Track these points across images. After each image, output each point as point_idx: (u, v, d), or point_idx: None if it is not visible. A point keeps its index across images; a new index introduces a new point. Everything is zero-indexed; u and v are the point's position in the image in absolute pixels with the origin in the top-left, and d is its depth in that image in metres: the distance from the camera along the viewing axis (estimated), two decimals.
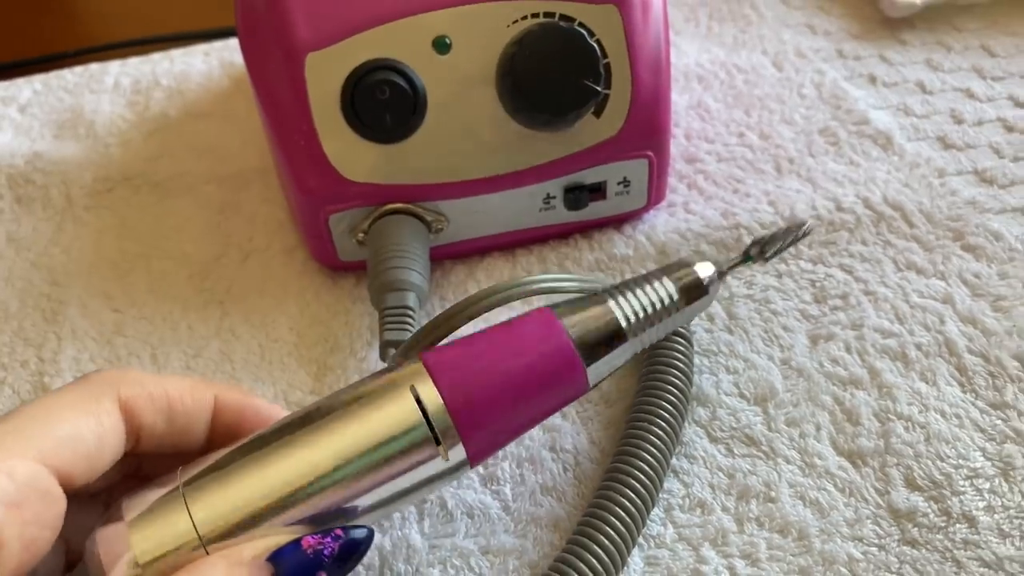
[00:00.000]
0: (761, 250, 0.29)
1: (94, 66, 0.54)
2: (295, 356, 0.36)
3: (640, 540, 0.29)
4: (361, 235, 0.36)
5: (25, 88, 0.53)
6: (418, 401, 0.24)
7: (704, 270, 0.28)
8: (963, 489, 0.29)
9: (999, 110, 0.45)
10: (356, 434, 0.23)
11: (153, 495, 0.23)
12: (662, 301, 0.27)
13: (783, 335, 0.35)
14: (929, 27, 0.51)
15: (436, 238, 0.37)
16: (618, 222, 0.40)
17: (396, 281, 0.34)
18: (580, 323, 0.26)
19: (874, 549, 0.28)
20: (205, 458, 0.24)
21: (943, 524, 0.28)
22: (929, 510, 0.29)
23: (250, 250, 0.41)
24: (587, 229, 0.40)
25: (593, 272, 0.38)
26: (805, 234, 0.29)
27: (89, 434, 0.22)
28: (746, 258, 0.29)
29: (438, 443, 0.24)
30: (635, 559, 0.28)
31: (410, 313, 0.33)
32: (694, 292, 0.27)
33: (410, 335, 0.33)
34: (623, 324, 0.26)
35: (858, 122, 0.45)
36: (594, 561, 0.27)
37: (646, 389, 0.31)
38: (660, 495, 0.30)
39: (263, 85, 0.36)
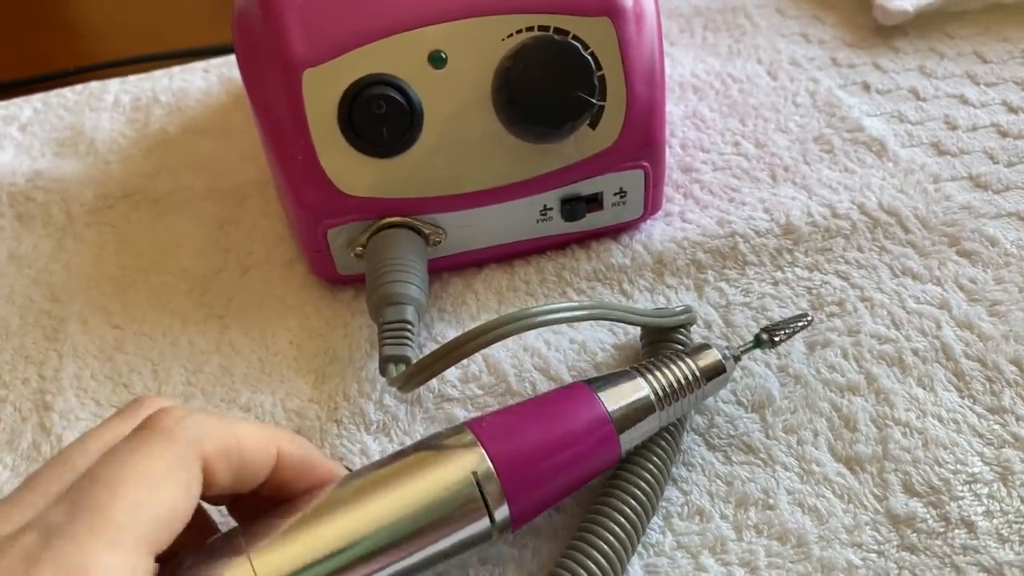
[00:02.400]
0: (770, 337, 0.32)
1: (94, 84, 0.55)
2: (295, 369, 0.36)
3: (639, 548, 0.29)
4: (359, 249, 0.36)
5: (25, 107, 0.53)
6: (476, 479, 0.25)
7: (723, 354, 0.31)
8: (962, 494, 0.29)
9: (993, 116, 0.45)
10: (416, 512, 0.25)
11: (221, 567, 0.22)
12: (686, 378, 0.30)
13: None
14: (922, 34, 0.52)
15: (434, 251, 0.38)
16: (615, 232, 0.40)
17: (394, 295, 0.34)
18: (616, 399, 0.29)
19: (873, 555, 0.28)
20: (269, 523, 0.24)
21: (942, 530, 0.28)
22: (928, 516, 0.29)
23: (249, 264, 0.41)
24: (584, 239, 0.40)
25: (591, 283, 0.38)
26: (807, 324, 0.33)
27: (183, 509, 0.21)
28: (756, 343, 0.32)
29: (491, 516, 0.25)
30: (634, 567, 0.29)
31: (409, 327, 0.33)
32: (713, 373, 0.30)
33: (409, 349, 0.33)
34: (653, 400, 0.29)
35: (852, 129, 0.45)
36: (594, 567, 0.27)
37: None
38: (660, 504, 0.30)
39: (261, 101, 0.36)
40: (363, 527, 0.24)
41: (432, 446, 0.26)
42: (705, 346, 0.31)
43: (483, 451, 0.26)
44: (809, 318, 0.33)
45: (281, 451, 0.25)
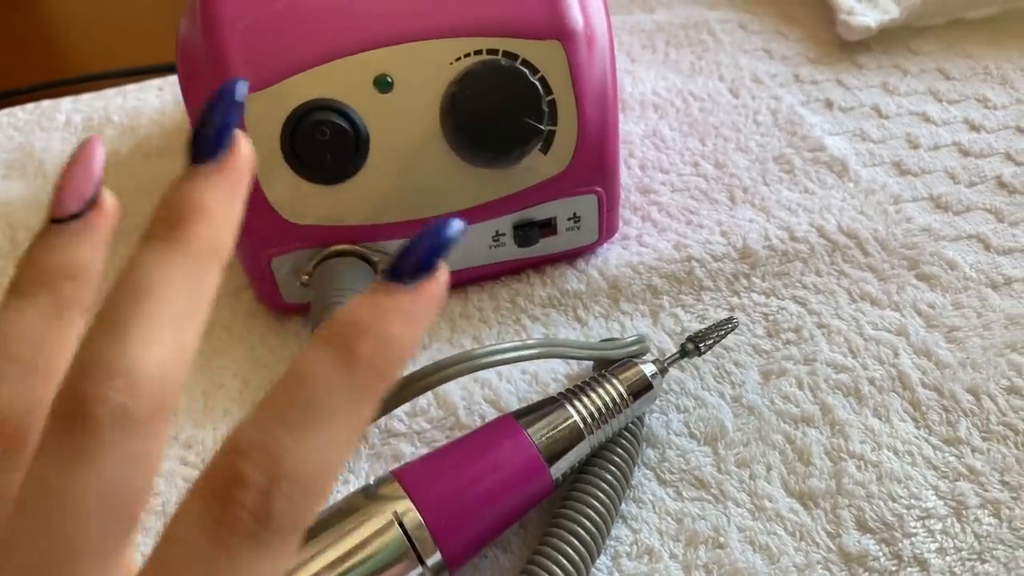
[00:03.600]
0: (696, 346, 0.32)
1: (46, 103, 0.54)
2: (238, 403, 0.35)
3: None
4: (305, 277, 0.36)
5: None
6: (402, 527, 0.25)
7: (648, 369, 0.31)
8: (915, 531, 0.29)
9: (954, 134, 0.45)
10: (350, 569, 0.25)
11: None
12: (613, 400, 0.30)
13: (735, 371, 0.34)
14: (885, 50, 0.51)
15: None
16: (571, 257, 0.39)
17: None
18: (543, 430, 0.28)
19: None
20: None
21: (894, 568, 0.28)
22: (880, 553, 0.28)
23: None
24: (539, 265, 0.39)
25: (546, 310, 0.38)
26: (733, 328, 0.33)
27: None
28: (683, 353, 0.32)
29: (422, 562, 0.25)
30: None
31: None
32: (641, 389, 0.30)
33: None
34: (581, 426, 0.29)
35: (813, 148, 0.44)
36: None
37: None
38: (608, 543, 0.29)
39: None
40: None
41: (360, 502, 0.26)
42: (630, 363, 0.31)
43: (408, 501, 0.26)
44: (734, 322, 0.33)
45: None
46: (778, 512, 0.30)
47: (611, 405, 0.29)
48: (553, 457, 0.28)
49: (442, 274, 0.17)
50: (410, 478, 0.27)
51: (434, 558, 0.26)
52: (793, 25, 0.55)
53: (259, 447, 0.16)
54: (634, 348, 0.32)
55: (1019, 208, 0.40)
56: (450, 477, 0.27)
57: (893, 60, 0.51)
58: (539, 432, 0.28)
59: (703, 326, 0.33)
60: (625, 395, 0.30)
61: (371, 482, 0.28)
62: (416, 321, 0.18)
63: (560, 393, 0.30)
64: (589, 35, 0.35)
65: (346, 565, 0.25)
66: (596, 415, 0.29)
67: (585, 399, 0.29)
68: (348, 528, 0.25)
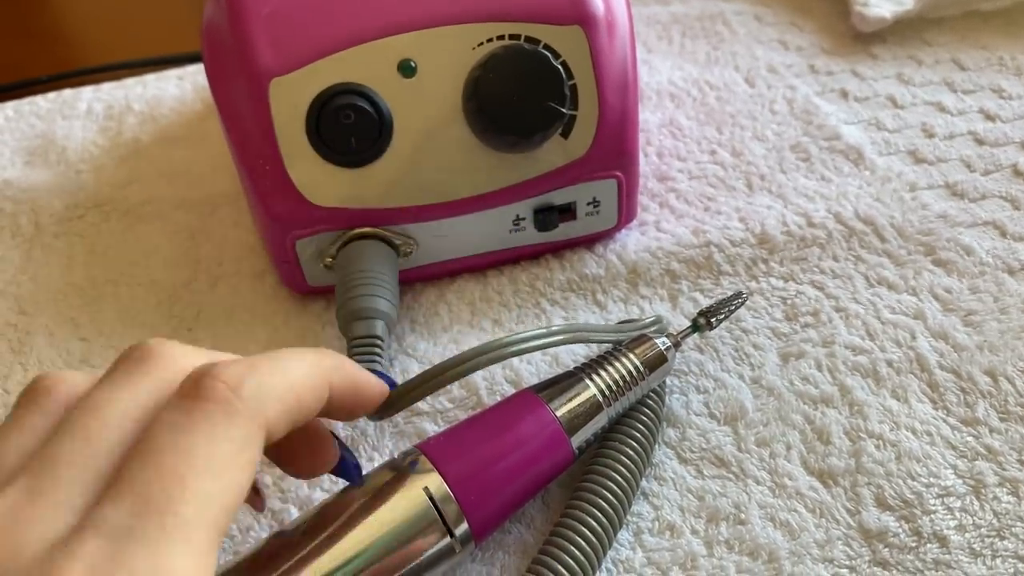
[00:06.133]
0: (707, 320, 0.33)
1: (67, 92, 0.54)
2: None
3: (609, 565, 0.29)
4: (329, 260, 0.36)
5: None
6: (431, 499, 0.26)
7: (662, 343, 0.32)
8: (934, 508, 0.29)
9: (970, 123, 0.45)
10: (380, 540, 0.25)
11: None
12: (630, 373, 0.30)
13: (754, 353, 0.35)
14: (900, 41, 0.52)
15: (405, 261, 0.37)
16: (589, 242, 0.40)
17: (364, 309, 0.33)
18: (563, 403, 0.29)
19: (844, 571, 0.28)
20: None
21: (914, 544, 0.28)
22: (900, 530, 0.29)
23: (219, 275, 0.41)
24: (558, 249, 0.40)
25: (565, 294, 0.38)
26: (743, 301, 0.34)
27: (246, 490, 0.19)
28: (695, 328, 0.33)
29: (450, 532, 0.26)
30: None
31: (378, 342, 0.33)
32: (655, 363, 0.31)
33: (378, 365, 0.32)
34: (600, 399, 0.30)
35: (829, 137, 0.45)
36: None
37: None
38: (630, 518, 0.30)
39: (228, 111, 0.36)
40: (338, 562, 0.24)
41: (389, 476, 0.27)
42: (644, 338, 0.32)
43: (436, 474, 0.26)
44: (745, 296, 0.34)
45: (332, 387, 0.22)
46: (798, 490, 0.30)
47: (627, 378, 0.30)
48: (573, 429, 0.29)
49: None
50: (436, 452, 0.27)
51: (461, 528, 0.26)
52: (808, 17, 0.55)
53: (235, 359, 0.20)
54: (652, 328, 0.33)
55: None
56: (476, 451, 0.27)
57: (908, 51, 0.51)
58: (560, 406, 0.29)
59: (713, 301, 0.33)
60: (641, 368, 0.31)
61: (396, 456, 0.28)
62: None
63: (578, 367, 0.31)
64: (610, 21, 0.36)
65: (376, 536, 0.25)
66: (613, 388, 0.30)
67: (603, 373, 0.30)
68: (377, 500, 0.26)
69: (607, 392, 0.30)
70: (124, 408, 0.19)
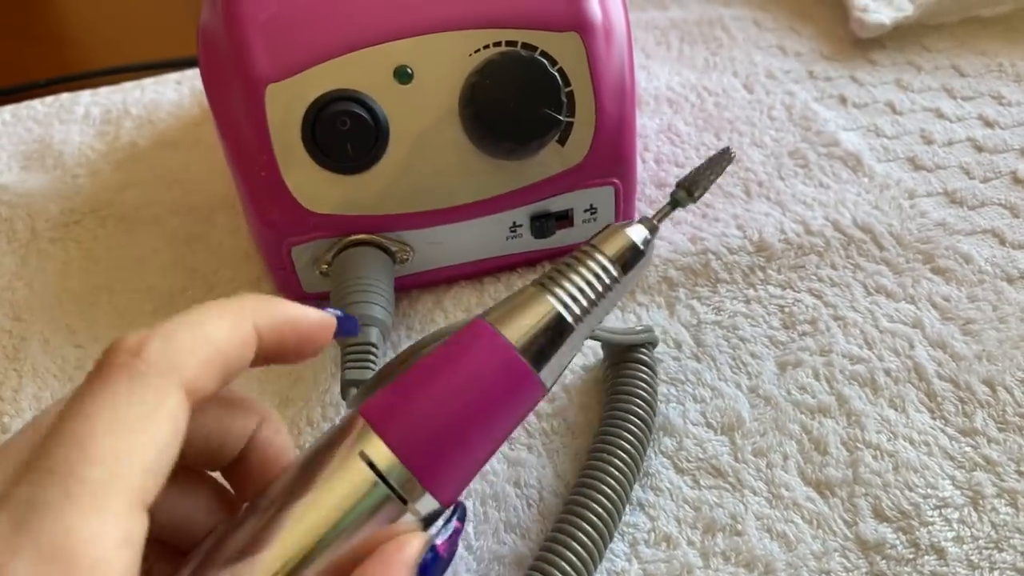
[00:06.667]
0: (688, 191, 0.28)
1: (65, 96, 0.54)
2: (258, 392, 0.35)
3: None
4: (324, 267, 0.36)
5: None
6: (372, 466, 0.22)
7: (636, 232, 0.26)
8: (932, 519, 0.29)
9: (969, 130, 0.45)
10: (322, 517, 0.21)
11: None
12: (598, 277, 0.25)
13: (751, 362, 0.34)
14: (899, 47, 0.52)
15: (402, 268, 0.37)
16: None
17: (358, 316, 0.33)
18: (521, 328, 0.24)
19: None
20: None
21: (911, 556, 0.28)
22: (897, 541, 0.28)
23: (215, 282, 0.40)
24: (555, 256, 0.39)
25: None
26: (728, 162, 0.28)
27: (171, 448, 0.18)
28: (674, 205, 0.28)
29: (404, 502, 0.22)
30: None
31: (372, 350, 0.33)
32: (631, 258, 0.26)
33: (372, 373, 0.32)
34: (566, 316, 0.24)
35: (828, 144, 0.45)
36: None
37: (607, 420, 0.31)
38: (626, 529, 0.30)
39: (224, 117, 0.36)
40: (293, 549, 0.21)
41: (327, 449, 0.22)
42: (612, 227, 0.26)
43: (384, 448, 0.22)
44: (730, 155, 0.28)
45: (259, 328, 0.21)
46: (795, 500, 0.30)
47: (597, 285, 0.25)
48: (539, 357, 0.24)
49: None
50: (377, 413, 0.22)
51: (422, 499, 0.22)
52: (807, 22, 0.55)
53: (145, 327, 0.20)
54: (641, 336, 0.33)
55: None
56: (422, 404, 0.23)
57: (907, 57, 0.51)
58: (516, 330, 0.24)
59: (693, 168, 0.28)
60: (611, 269, 0.25)
61: (335, 423, 0.24)
62: None
63: (536, 281, 0.25)
64: (607, 27, 0.36)
65: (322, 522, 0.21)
66: (583, 300, 0.25)
67: (565, 282, 0.25)
68: (314, 479, 0.22)
69: (573, 305, 0.24)
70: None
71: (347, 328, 0.24)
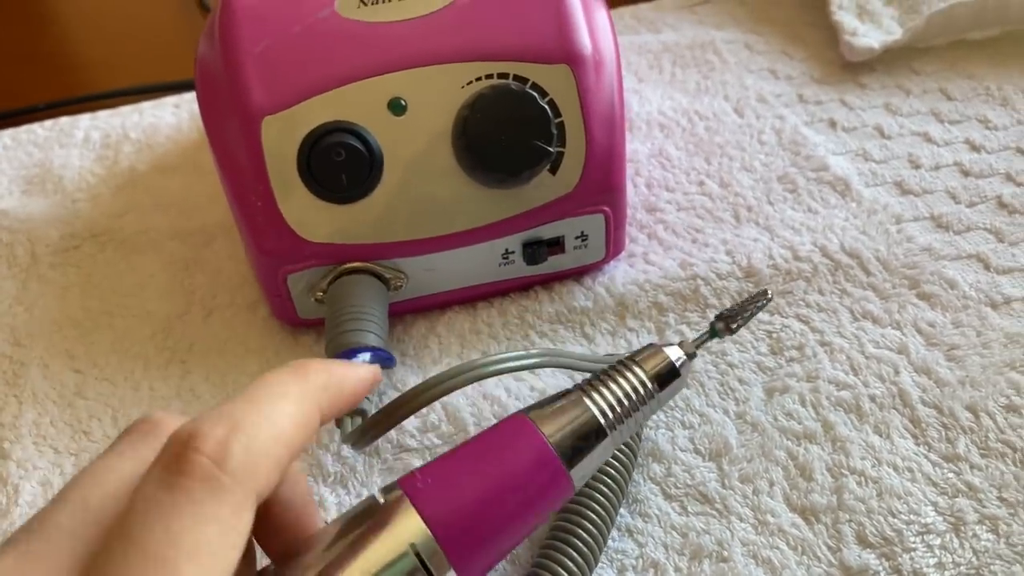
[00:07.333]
0: (726, 324, 0.30)
1: (64, 120, 0.55)
2: None
3: None
4: (320, 294, 0.36)
5: None
6: (415, 551, 0.23)
7: (673, 353, 0.28)
8: (914, 546, 0.29)
9: (956, 154, 0.46)
10: None
11: None
12: (636, 391, 0.27)
13: (739, 388, 0.35)
14: (888, 70, 0.52)
15: (396, 294, 0.38)
16: (578, 274, 0.40)
17: (352, 343, 0.34)
18: (560, 428, 0.25)
19: None
20: None
21: None
22: (880, 568, 0.29)
23: (213, 307, 0.41)
24: (547, 282, 0.40)
25: (554, 326, 0.39)
26: (767, 302, 0.30)
27: (236, 563, 0.18)
28: (712, 334, 0.30)
29: None
30: None
31: None
32: (667, 377, 0.27)
33: (366, 400, 0.33)
34: (602, 422, 0.26)
35: (817, 168, 0.45)
36: None
37: None
38: (614, 556, 0.30)
39: (221, 147, 0.36)
40: None
41: (367, 521, 0.24)
42: (653, 347, 0.28)
43: (420, 521, 0.23)
44: (769, 296, 0.30)
45: (322, 410, 0.22)
46: (780, 527, 0.30)
47: (634, 397, 0.26)
48: (572, 457, 0.25)
49: None
50: (419, 493, 0.24)
51: None
52: (798, 46, 0.56)
53: (217, 414, 0.19)
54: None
55: (1019, 228, 0.41)
56: (462, 490, 0.24)
57: (896, 80, 0.52)
58: (555, 431, 0.25)
59: (734, 303, 0.30)
60: (649, 385, 0.27)
61: (376, 495, 0.25)
62: None
63: (577, 385, 0.27)
64: (597, 59, 0.36)
65: None
66: (618, 409, 0.26)
67: (604, 390, 0.26)
68: (357, 547, 0.23)
69: (609, 413, 0.26)
70: (122, 476, 0.19)
71: (385, 363, 0.25)
